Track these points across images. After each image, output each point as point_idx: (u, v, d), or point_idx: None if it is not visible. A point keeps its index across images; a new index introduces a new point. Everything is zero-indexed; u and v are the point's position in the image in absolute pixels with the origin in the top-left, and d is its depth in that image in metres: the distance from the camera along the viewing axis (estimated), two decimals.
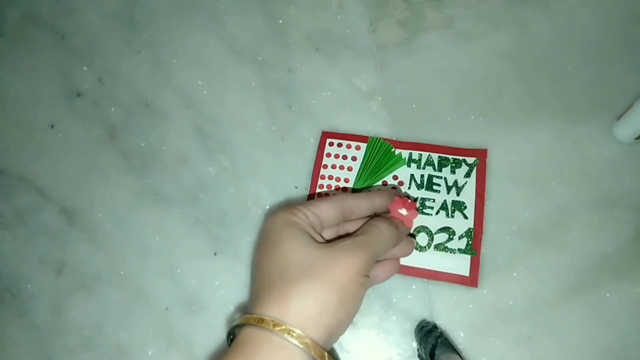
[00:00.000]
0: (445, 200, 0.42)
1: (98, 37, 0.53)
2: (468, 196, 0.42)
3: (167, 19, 0.52)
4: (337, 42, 0.49)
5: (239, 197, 0.46)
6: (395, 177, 0.44)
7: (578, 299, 0.40)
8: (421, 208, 0.42)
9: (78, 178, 0.48)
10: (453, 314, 0.40)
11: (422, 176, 0.43)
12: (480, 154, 0.43)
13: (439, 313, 0.41)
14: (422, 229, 0.41)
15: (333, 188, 0.44)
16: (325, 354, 0.27)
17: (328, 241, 0.31)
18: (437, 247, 0.41)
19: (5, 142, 0.50)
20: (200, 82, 0.50)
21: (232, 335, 0.29)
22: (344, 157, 0.45)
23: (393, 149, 0.44)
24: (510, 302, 0.40)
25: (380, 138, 0.44)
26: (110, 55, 0.52)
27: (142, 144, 0.48)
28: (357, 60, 0.48)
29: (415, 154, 0.44)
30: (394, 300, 0.41)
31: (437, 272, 0.40)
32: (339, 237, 0.33)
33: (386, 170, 0.43)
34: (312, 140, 0.46)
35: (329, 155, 0.45)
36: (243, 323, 0.27)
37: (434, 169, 0.43)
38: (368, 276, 0.29)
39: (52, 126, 0.50)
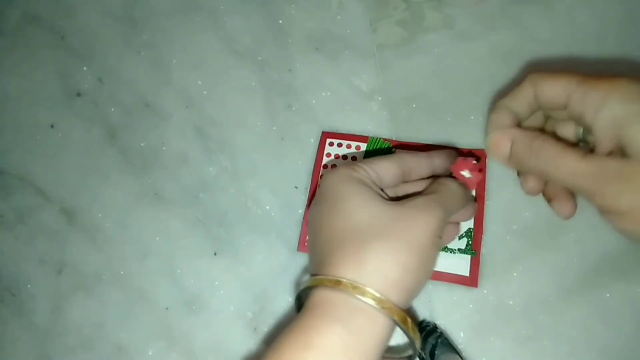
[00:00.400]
0: None
1: (98, 37, 0.53)
2: None
3: (167, 19, 0.52)
4: (337, 42, 0.49)
5: (239, 197, 0.46)
6: None
7: (578, 299, 0.40)
8: None
9: (78, 178, 0.48)
10: (453, 314, 0.40)
11: None
12: (480, 154, 0.43)
13: (439, 313, 0.41)
14: None
15: None
16: (408, 319, 0.25)
17: (393, 200, 0.29)
18: None
19: (5, 142, 0.50)
20: (200, 82, 0.50)
21: (300, 300, 0.27)
22: (344, 157, 0.45)
23: (393, 149, 0.44)
24: (510, 302, 0.40)
25: (380, 138, 0.45)
26: (110, 55, 0.52)
27: (142, 144, 0.48)
28: (357, 60, 0.48)
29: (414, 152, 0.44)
30: None
31: (437, 272, 0.40)
32: (399, 199, 0.30)
33: None
34: (312, 140, 0.46)
35: (329, 155, 0.45)
36: (316, 284, 0.25)
37: None
38: (442, 237, 0.28)
39: (52, 126, 0.50)
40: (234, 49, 0.50)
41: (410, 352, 0.28)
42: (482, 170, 0.33)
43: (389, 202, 0.28)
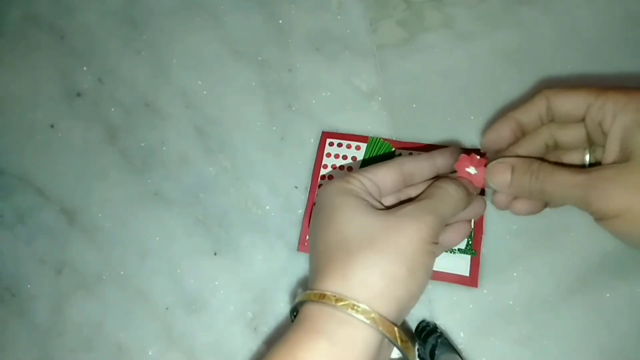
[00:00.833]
0: None
1: (98, 37, 0.53)
2: None
3: (167, 19, 0.52)
4: (337, 42, 0.49)
5: (239, 197, 0.46)
6: None
7: (578, 299, 0.40)
8: None
9: (78, 178, 0.48)
10: (453, 314, 0.40)
11: None
12: (481, 153, 0.43)
13: (438, 313, 0.41)
14: None
15: None
16: (395, 328, 0.25)
17: (389, 208, 0.29)
18: None
19: (5, 142, 0.50)
20: (200, 82, 0.50)
21: (295, 312, 0.28)
22: (344, 157, 0.45)
23: (393, 149, 0.44)
24: (510, 302, 0.40)
25: (380, 138, 0.45)
26: (110, 55, 0.52)
27: (142, 144, 0.48)
28: (357, 60, 0.48)
29: (416, 154, 0.44)
30: None
31: (437, 272, 0.40)
32: (401, 203, 0.31)
33: None
34: (312, 140, 0.46)
35: (329, 155, 0.45)
36: (304, 299, 0.26)
37: None
38: (437, 242, 0.27)
39: (52, 126, 0.50)
40: (234, 49, 0.50)
41: None
42: (487, 164, 0.32)
43: (381, 212, 0.28)
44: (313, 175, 0.45)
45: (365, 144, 0.45)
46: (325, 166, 0.45)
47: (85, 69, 0.51)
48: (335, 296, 0.25)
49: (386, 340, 0.25)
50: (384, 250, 0.25)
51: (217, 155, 0.47)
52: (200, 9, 0.52)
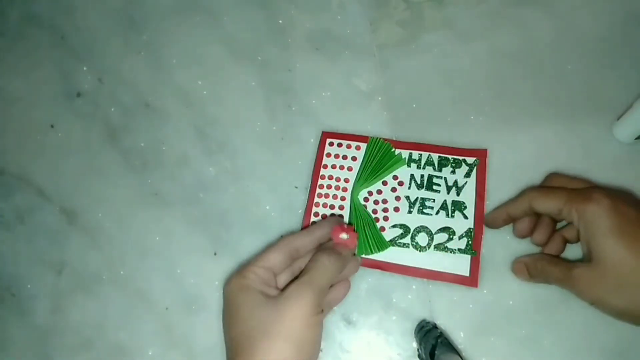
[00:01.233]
0: (445, 200, 0.42)
1: (98, 37, 0.53)
2: (468, 196, 0.42)
3: (167, 19, 0.52)
4: (337, 42, 0.49)
5: (239, 197, 0.46)
6: (395, 177, 0.44)
7: (578, 299, 0.39)
8: (421, 208, 0.42)
9: (78, 178, 0.48)
10: (453, 314, 0.40)
11: (422, 176, 0.43)
12: (480, 154, 0.43)
13: (439, 313, 0.41)
14: (422, 229, 0.41)
15: (333, 188, 0.44)
16: None
17: (283, 289, 0.33)
18: (437, 247, 0.41)
19: (5, 142, 0.50)
20: (200, 82, 0.50)
21: None
22: (344, 157, 0.45)
23: (393, 149, 0.44)
24: (510, 302, 0.40)
25: (380, 138, 0.45)
26: (110, 55, 0.52)
27: (142, 144, 0.48)
28: (357, 60, 0.48)
29: (416, 154, 0.44)
30: (394, 300, 0.41)
31: (437, 272, 0.40)
32: (295, 278, 0.35)
33: (386, 170, 0.43)
34: (312, 140, 0.46)
35: (329, 155, 0.45)
36: None
37: (434, 169, 0.43)
38: (322, 310, 0.32)
39: (52, 126, 0.50)
40: (233, 49, 0.50)
41: None
42: (355, 231, 0.41)
43: (272, 299, 0.31)
44: (313, 175, 0.45)
45: (365, 144, 0.45)
46: (326, 166, 0.45)
47: (85, 69, 0.51)
48: None
49: None
50: (276, 335, 0.29)
51: (217, 155, 0.47)
52: (200, 9, 0.52)
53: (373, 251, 0.41)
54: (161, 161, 0.47)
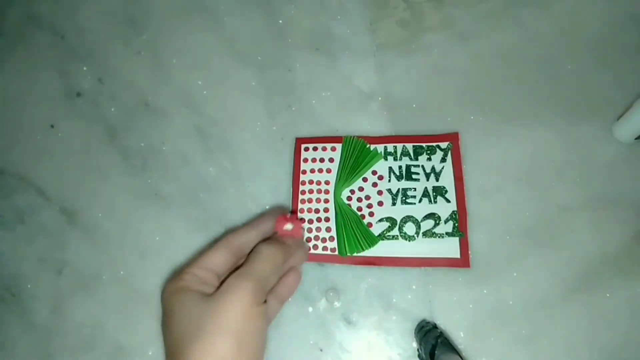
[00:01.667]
0: (426, 188, 0.43)
1: (98, 37, 0.53)
2: (447, 180, 0.43)
3: (167, 19, 0.52)
4: (337, 42, 0.49)
5: (239, 196, 0.46)
6: (374, 172, 0.44)
7: (578, 299, 0.40)
8: (404, 198, 0.43)
9: (78, 178, 0.48)
10: (453, 314, 0.40)
11: (400, 167, 0.44)
12: (452, 138, 0.44)
13: (438, 313, 0.41)
14: (408, 218, 0.42)
15: (315, 192, 0.44)
16: None
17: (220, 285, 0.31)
18: (425, 234, 0.41)
19: (5, 142, 0.50)
20: (200, 82, 0.50)
21: None
22: (321, 160, 0.45)
23: (368, 145, 0.45)
24: (510, 302, 0.40)
25: (354, 136, 0.45)
26: (110, 55, 0.52)
27: (142, 144, 0.48)
28: (357, 60, 0.48)
29: (391, 147, 0.44)
30: (394, 300, 0.41)
31: (429, 259, 0.41)
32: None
33: (364, 167, 0.44)
34: None
35: (306, 160, 0.45)
36: None
37: (411, 159, 0.44)
38: (265, 301, 0.29)
39: (52, 126, 0.50)
40: (234, 49, 0.50)
41: None
42: (299, 219, 0.37)
43: (209, 297, 0.28)
44: (293, 183, 0.45)
45: (341, 145, 0.45)
46: (304, 172, 0.45)
47: (85, 69, 0.51)
48: None
49: None
50: (213, 332, 0.26)
51: (217, 155, 0.47)
52: (200, 9, 0.52)
53: (363, 248, 0.41)
54: (161, 161, 0.47)
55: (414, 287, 0.41)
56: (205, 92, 0.49)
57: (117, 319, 0.43)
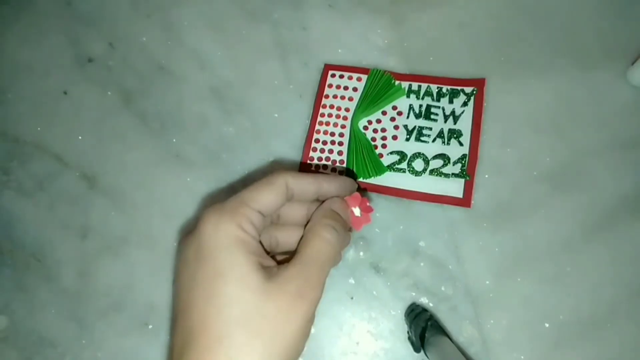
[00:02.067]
0: (442, 129, 0.43)
1: (105, 1, 0.52)
2: (465, 124, 0.43)
3: None
4: None
5: (261, 155, 0.46)
6: (394, 108, 0.45)
7: (599, 239, 0.41)
8: (418, 136, 0.44)
9: (96, 143, 0.47)
10: (479, 257, 0.41)
11: (420, 106, 0.44)
12: (479, 83, 0.44)
13: (465, 258, 0.42)
14: (419, 155, 0.43)
15: (334, 117, 0.45)
16: None
17: (270, 255, 0.27)
18: (432, 172, 0.42)
19: (18, 110, 0.49)
20: (213, 44, 0.49)
21: None
22: (345, 88, 0.46)
23: (393, 80, 0.45)
24: (534, 245, 0.41)
25: (381, 70, 0.45)
26: (119, 20, 0.51)
27: (159, 107, 0.48)
28: (372, 16, 0.48)
29: (415, 85, 0.45)
30: (422, 246, 0.42)
31: (431, 195, 0.42)
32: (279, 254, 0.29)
33: (386, 100, 0.45)
34: None
35: (330, 86, 0.46)
36: None
37: (433, 99, 0.45)
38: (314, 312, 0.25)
39: (65, 93, 0.49)
40: (246, 9, 0.50)
41: None
42: (371, 210, 0.31)
43: (265, 284, 0.23)
44: (315, 104, 0.46)
45: (366, 76, 0.46)
46: (327, 96, 0.46)
47: (94, 34, 0.51)
48: None
49: None
50: (272, 337, 0.23)
51: (236, 116, 0.47)
52: None
53: (371, 175, 0.43)
54: (180, 124, 0.47)
55: (439, 234, 0.42)
56: (219, 53, 0.49)
57: (146, 280, 0.44)
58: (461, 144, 0.43)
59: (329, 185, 0.29)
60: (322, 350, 0.41)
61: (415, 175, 0.42)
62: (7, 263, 0.45)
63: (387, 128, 0.44)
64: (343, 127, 0.45)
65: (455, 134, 0.43)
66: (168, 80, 0.49)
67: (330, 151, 0.44)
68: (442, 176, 0.42)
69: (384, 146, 0.44)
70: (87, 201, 0.46)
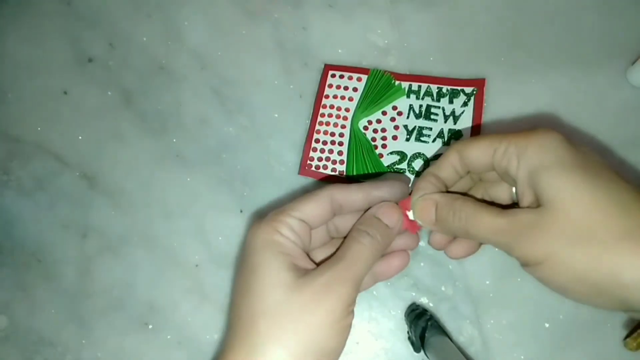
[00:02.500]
0: (442, 129, 0.44)
1: (105, 1, 0.52)
2: (464, 125, 0.44)
3: None
4: None
5: (261, 155, 0.46)
6: (394, 108, 0.45)
7: None
8: (418, 136, 0.44)
9: (96, 143, 0.48)
10: (478, 257, 0.41)
11: (420, 106, 0.45)
12: (478, 83, 0.44)
13: (465, 258, 0.41)
14: (419, 155, 0.43)
15: (334, 117, 0.45)
16: None
17: (313, 261, 0.28)
18: None
19: (18, 110, 0.49)
20: (214, 43, 0.49)
21: None
22: (345, 88, 0.46)
23: (394, 81, 0.45)
24: None
25: (381, 70, 0.45)
26: (119, 19, 0.51)
27: (159, 107, 0.48)
28: (372, 16, 0.48)
29: (415, 85, 0.45)
30: (422, 245, 0.42)
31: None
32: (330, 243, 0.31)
33: (386, 100, 0.45)
34: None
35: (330, 86, 0.46)
36: None
37: (433, 99, 0.45)
38: (354, 306, 0.26)
39: (65, 92, 0.49)
40: (246, 8, 0.50)
41: None
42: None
43: (300, 282, 0.25)
44: (315, 105, 0.46)
45: (366, 76, 0.46)
46: (327, 96, 0.46)
47: (94, 34, 0.51)
48: None
49: None
50: (296, 329, 0.24)
51: (236, 115, 0.47)
52: None
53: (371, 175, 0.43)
54: (180, 123, 0.47)
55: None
56: (219, 53, 0.49)
57: (146, 280, 0.44)
58: None
59: (377, 191, 0.29)
60: None
61: (415, 176, 0.42)
62: (7, 263, 0.45)
63: (387, 128, 0.44)
64: (343, 127, 0.45)
65: (455, 134, 0.43)
66: (168, 80, 0.49)
67: (331, 151, 0.44)
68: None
69: (384, 146, 0.44)
70: (87, 201, 0.46)
